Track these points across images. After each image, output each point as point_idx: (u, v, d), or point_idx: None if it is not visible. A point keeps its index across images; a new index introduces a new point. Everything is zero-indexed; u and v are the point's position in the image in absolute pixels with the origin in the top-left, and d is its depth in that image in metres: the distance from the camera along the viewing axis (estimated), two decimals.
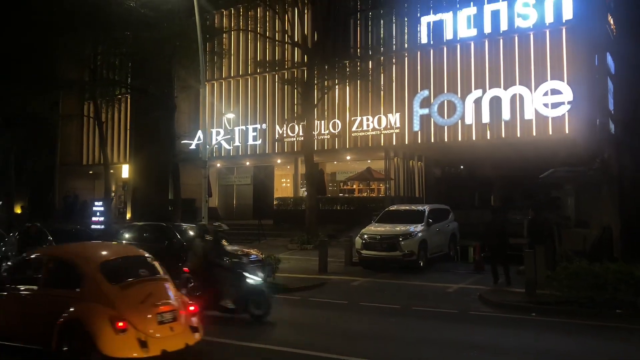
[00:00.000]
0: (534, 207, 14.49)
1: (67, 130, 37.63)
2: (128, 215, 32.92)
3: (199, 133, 31.75)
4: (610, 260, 11.95)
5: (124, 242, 14.36)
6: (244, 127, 30.12)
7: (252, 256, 13.35)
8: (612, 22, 20.40)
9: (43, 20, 21.36)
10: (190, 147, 31.11)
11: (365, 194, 31.26)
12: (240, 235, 23.23)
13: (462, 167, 32.53)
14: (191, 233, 14.21)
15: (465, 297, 12.40)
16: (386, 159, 27.04)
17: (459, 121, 24.57)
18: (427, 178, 29.35)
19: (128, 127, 35.33)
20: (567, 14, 22.72)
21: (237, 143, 30.45)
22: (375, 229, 16.58)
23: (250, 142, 30.22)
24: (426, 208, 17.33)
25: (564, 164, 21.76)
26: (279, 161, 31.62)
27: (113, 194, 33.54)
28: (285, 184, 36.09)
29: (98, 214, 25.90)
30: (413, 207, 17.80)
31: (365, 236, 16.25)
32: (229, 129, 28.42)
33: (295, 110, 23.49)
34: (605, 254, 13.72)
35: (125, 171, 35.03)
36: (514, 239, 14.79)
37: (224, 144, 31.00)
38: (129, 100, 34.68)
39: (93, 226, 25.21)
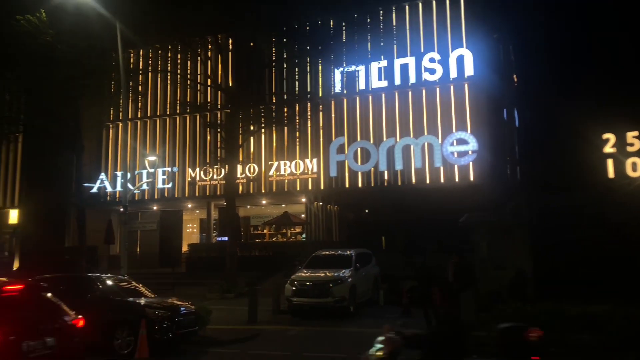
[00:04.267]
0: (459, 252, 15.13)
1: None
2: (15, 266, 29.63)
3: (102, 176, 30.02)
4: (524, 301, 12.75)
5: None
6: (152, 170, 28.75)
7: (182, 308, 12.44)
8: (515, 78, 22.60)
9: None
10: (92, 191, 29.18)
11: (275, 239, 30.93)
12: (149, 285, 21.71)
13: (367, 211, 33.49)
14: (110, 283, 13.05)
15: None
16: (307, 203, 27.21)
17: (373, 167, 25.51)
18: (342, 222, 29.79)
19: (18, 169, 32.28)
20: (469, 70, 24.83)
21: (144, 187, 28.97)
22: (305, 275, 16.35)
23: (160, 185, 28.93)
24: (353, 253, 17.44)
25: (471, 210, 23.27)
26: (189, 206, 30.51)
27: (7, 242, 30.26)
28: (191, 230, 34.80)
29: None
30: (340, 252, 17.83)
31: (296, 283, 15.94)
32: (150, 171, 27.21)
33: (218, 154, 22.99)
34: (520, 295, 14.63)
35: (13, 217, 31.72)
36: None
37: (130, 187, 29.32)
38: (19, 139, 31.87)
39: None
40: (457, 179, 24.52)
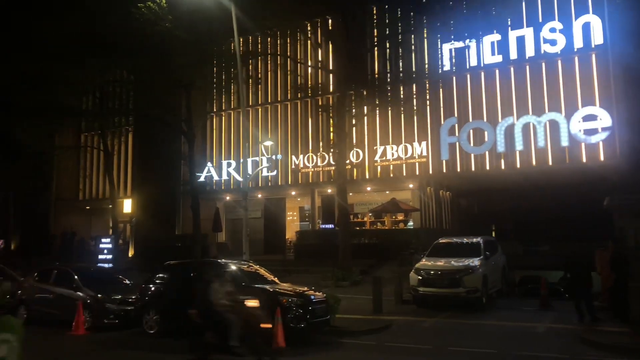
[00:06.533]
0: (614, 239, 13.44)
1: (62, 164, 35.89)
2: (130, 253, 31.01)
3: (208, 164, 30.53)
4: None
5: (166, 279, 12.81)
6: (257, 158, 28.78)
7: (312, 297, 11.85)
8: None
9: (57, 49, 20.06)
10: (199, 180, 29.69)
11: (375, 227, 29.90)
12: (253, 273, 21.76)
13: (479, 196, 31.50)
14: (237, 269, 12.69)
15: (561, 338, 11.14)
16: (415, 189, 26.08)
17: (489, 149, 23.80)
18: (453, 209, 28.33)
19: (130, 160, 33.75)
20: (597, 39, 22.40)
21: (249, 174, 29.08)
22: (431, 263, 15.28)
23: (264, 173, 28.94)
24: (481, 240, 16.15)
25: (604, 193, 21.02)
26: (292, 193, 30.31)
27: (122, 230, 31.78)
28: (291, 217, 34.69)
29: (105, 251, 24.07)
30: (466, 240, 16.58)
31: (422, 272, 14.93)
32: (267, 157, 27.34)
33: (321, 139, 22.33)
34: None
35: (127, 206, 33.23)
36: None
37: (236, 176, 29.69)
38: (130, 131, 33.28)
39: (100, 264, 23.42)
40: (584, 159, 22.23)
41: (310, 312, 11.15)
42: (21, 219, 32.65)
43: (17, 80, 23.07)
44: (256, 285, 11.77)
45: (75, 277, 13.69)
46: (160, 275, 12.98)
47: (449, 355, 10.10)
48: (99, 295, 13.09)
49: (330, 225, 28.15)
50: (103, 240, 24.71)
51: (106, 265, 23.21)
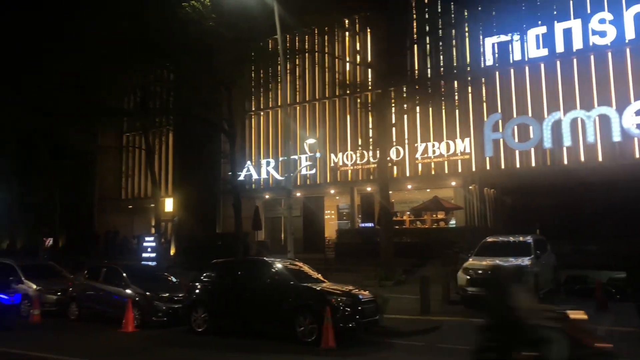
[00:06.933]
0: None
1: (105, 164, 36.75)
2: (172, 251, 31.44)
3: (247, 163, 30.68)
4: None
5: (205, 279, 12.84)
6: (295, 157, 28.67)
7: (361, 296, 11.66)
8: None
9: (101, 51, 20.44)
10: (239, 179, 29.86)
11: (414, 226, 29.41)
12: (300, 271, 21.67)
13: (523, 194, 30.53)
14: (284, 268, 12.59)
15: (623, 341, 10.63)
16: (458, 187, 25.57)
17: (535, 145, 23.10)
18: (497, 207, 27.65)
19: (171, 159, 34.22)
20: None
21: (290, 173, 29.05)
22: (480, 263, 14.89)
23: (303, 171, 28.87)
24: (531, 239, 15.67)
25: None
26: (331, 192, 30.15)
27: (163, 229, 32.26)
28: (329, 216, 34.50)
29: (149, 249, 24.40)
30: (515, 239, 16.11)
31: (471, 271, 14.57)
32: (309, 155, 27.37)
33: (359, 136, 22.08)
34: None
35: (169, 205, 33.71)
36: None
37: (275, 174, 29.73)
38: (171, 130, 33.71)
39: (144, 262, 23.77)
40: (637, 155, 21.36)
41: (359, 312, 10.99)
42: (66, 218, 33.50)
43: (63, 82, 23.72)
44: (303, 284, 11.69)
45: (124, 274, 13.87)
46: (208, 273, 13.01)
47: None
48: (147, 293, 13.22)
49: (370, 224, 27.90)
50: (147, 238, 25.06)
51: (150, 263, 23.52)
